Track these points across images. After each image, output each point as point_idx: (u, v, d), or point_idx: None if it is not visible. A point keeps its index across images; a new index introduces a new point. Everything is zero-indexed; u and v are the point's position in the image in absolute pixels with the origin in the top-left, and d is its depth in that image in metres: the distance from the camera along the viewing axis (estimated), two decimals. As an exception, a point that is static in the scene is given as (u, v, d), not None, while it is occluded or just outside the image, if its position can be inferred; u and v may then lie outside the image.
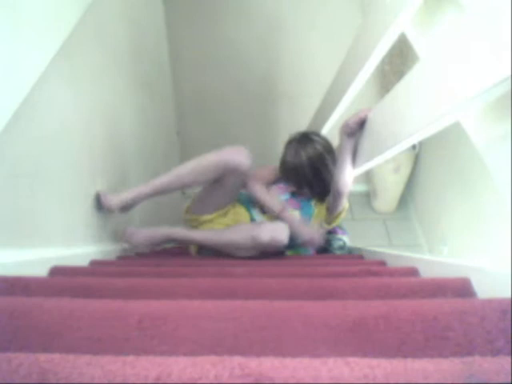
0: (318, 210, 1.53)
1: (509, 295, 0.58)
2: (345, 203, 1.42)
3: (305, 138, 1.47)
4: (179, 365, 0.39)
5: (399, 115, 0.95)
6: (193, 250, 1.67)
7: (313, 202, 1.54)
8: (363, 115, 1.20)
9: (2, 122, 0.72)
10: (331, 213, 1.45)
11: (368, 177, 2.96)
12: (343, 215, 1.50)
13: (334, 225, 1.51)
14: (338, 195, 1.35)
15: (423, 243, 2.72)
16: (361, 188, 3.11)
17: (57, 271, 0.90)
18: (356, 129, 1.23)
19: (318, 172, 1.44)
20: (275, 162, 1.94)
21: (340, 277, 0.89)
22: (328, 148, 1.44)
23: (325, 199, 1.52)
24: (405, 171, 2.70)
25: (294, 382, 0.37)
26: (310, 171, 1.43)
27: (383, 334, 0.51)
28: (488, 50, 0.60)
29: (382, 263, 1.11)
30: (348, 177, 1.30)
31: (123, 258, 1.38)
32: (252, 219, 1.51)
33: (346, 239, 1.65)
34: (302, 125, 2.24)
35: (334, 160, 1.41)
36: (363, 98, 1.79)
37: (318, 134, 1.49)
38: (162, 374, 0.38)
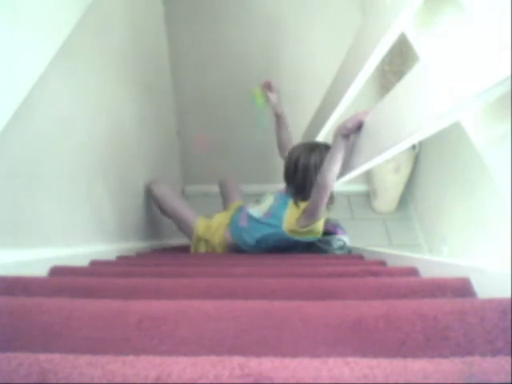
0: (291, 210, 1.50)
1: (509, 295, 0.58)
2: (321, 214, 1.39)
3: (310, 147, 1.49)
4: (179, 365, 0.39)
5: (399, 115, 0.95)
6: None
7: (290, 201, 1.53)
8: (361, 118, 1.20)
9: (2, 121, 0.72)
10: (307, 215, 1.40)
11: (368, 177, 2.96)
12: (318, 228, 1.47)
13: (304, 231, 1.45)
14: (317, 188, 1.32)
15: (423, 243, 2.72)
16: (361, 188, 3.11)
17: (57, 271, 0.90)
18: (353, 131, 1.23)
19: (296, 175, 1.47)
20: (274, 162, 1.94)
21: (340, 277, 0.89)
22: (319, 166, 1.41)
23: (297, 202, 1.50)
24: (405, 171, 2.70)
25: (294, 381, 0.37)
26: (293, 171, 1.49)
27: (383, 334, 0.51)
28: (488, 50, 0.60)
29: (382, 263, 1.11)
30: (333, 172, 1.28)
31: (123, 257, 1.38)
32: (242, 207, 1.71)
33: (345, 239, 1.65)
34: (301, 125, 2.24)
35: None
36: (363, 98, 1.79)
37: (327, 151, 1.43)
38: (162, 373, 0.38)
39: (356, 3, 2.30)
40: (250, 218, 1.59)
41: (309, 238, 1.51)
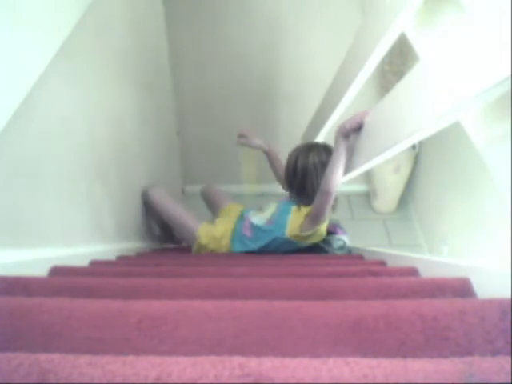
0: (294, 215, 1.49)
1: (509, 295, 0.58)
2: (326, 218, 1.39)
3: (308, 147, 1.49)
4: (179, 365, 0.39)
5: (399, 115, 0.95)
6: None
7: (293, 207, 1.52)
8: (361, 118, 1.20)
9: (2, 121, 0.72)
10: (311, 220, 1.40)
11: (368, 177, 2.96)
12: (321, 231, 1.46)
13: (308, 235, 1.44)
14: (321, 195, 1.31)
15: (423, 243, 2.72)
16: (361, 188, 3.11)
17: (57, 271, 0.90)
18: (353, 132, 1.23)
19: (296, 176, 1.48)
20: (275, 162, 1.93)
21: (340, 277, 0.89)
22: (318, 166, 1.43)
23: (300, 206, 1.50)
24: (405, 171, 2.70)
25: (294, 381, 0.37)
26: (292, 172, 1.49)
27: (383, 333, 0.51)
28: (488, 50, 0.60)
29: (382, 263, 1.11)
30: (336, 178, 1.27)
31: (123, 257, 1.38)
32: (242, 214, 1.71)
33: (345, 239, 1.65)
34: (301, 125, 2.24)
35: (319, 177, 1.42)
36: (363, 98, 1.79)
37: (325, 151, 1.47)
38: (162, 373, 0.38)
39: (356, 3, 2.30)
40: (253, 226, 1.58)
41: (312, 241, 1.50)
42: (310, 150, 1.47)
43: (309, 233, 1.43)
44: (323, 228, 1.46)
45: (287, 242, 1.50)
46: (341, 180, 1.29)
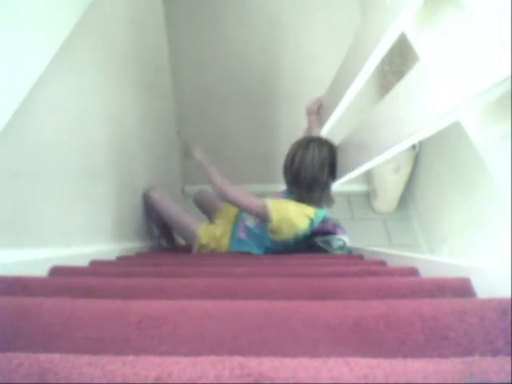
0: None
1: (509, 295, 0.58)
2: (257, 205, 1.44)
3: (307, 141, 1.49)
4: (179, 365, 0.39)
5: (399, 115, 0.95)
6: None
7: None
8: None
9: (2, 121, 0.72)
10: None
11: (368, 177, 2.96)
12: (287, 221, 1.45)
13: (275, 230, 1.47)
14: None
15: (423, 243, 2.72)
16: (361, 188, 3.11)
17: (57, 271, 0.90)
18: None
19: (292, 168, 1.46)
20: (275, 162, 1.95)
21: (340, 277, 0.89)
22: (316, 159, 1.43)
23: (291, 198, 1.50)
24: (405, 171, 2.70)
25: (294, 381, 0.37)
26: (289, 165, 1.48)
27: (383, 334, 0.51)
28: (488, 49, 0.60)
29: (382, 263, 1.11)
30: (216, 186, 1.49)
31: (123, 257, 1.38)
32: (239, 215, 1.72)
33: (345, 239, 1.65)
34: (301, 125, 2.24)
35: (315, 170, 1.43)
36: (363, 98, 1.79)
37: (326, 145, 1.47)
38: (162, 373, 0.38)
39: (356, 3, 2.30)
40: (246, 228, 1.61)
41: (287, 235, 1.48)
42: (308, 144, 1.47)
43: (274, 228, 1.45)
44: (288, 218, 1.43)
45: (278, 242, 1.52)
46: (217, 182, 1.51)
